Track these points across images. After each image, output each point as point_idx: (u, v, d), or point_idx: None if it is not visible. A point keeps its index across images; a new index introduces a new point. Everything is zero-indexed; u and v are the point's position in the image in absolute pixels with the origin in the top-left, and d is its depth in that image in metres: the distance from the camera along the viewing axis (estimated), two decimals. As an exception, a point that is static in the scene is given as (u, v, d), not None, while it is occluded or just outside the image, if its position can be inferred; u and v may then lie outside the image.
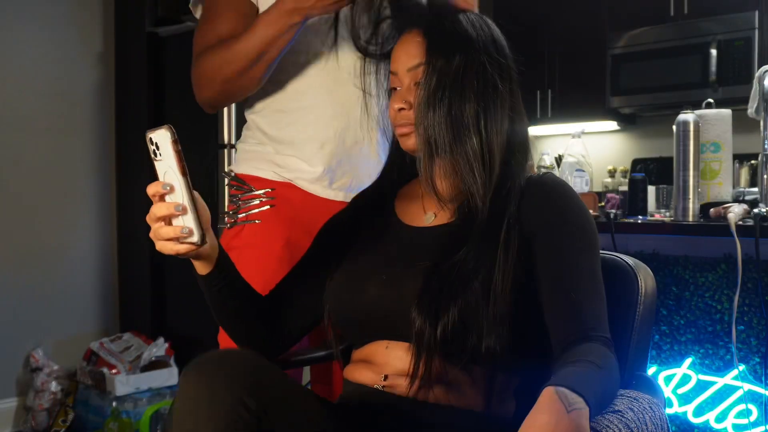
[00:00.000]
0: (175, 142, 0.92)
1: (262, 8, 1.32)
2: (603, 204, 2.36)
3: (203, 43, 1.33)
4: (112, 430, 2.92)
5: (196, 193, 0.96)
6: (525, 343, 1.02)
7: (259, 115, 1.42)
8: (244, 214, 1.39)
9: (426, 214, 1.16)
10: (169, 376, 3.09)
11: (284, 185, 1.39)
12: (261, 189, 1.39)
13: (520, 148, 1.12)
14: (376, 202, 1.23)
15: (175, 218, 0.96)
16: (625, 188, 2.64)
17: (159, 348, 3.10)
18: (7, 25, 3.11)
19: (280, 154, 1.39)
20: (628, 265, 1.18)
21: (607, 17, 3.59)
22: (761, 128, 2.01)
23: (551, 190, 1.09)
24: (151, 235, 0.98)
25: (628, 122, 3.91)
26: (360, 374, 1.11)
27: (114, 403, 2.94)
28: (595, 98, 3.60)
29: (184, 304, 3.30)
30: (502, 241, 1.03)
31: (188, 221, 0.95)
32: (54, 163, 3.27)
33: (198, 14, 1.42)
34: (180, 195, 0.94)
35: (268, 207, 1.38)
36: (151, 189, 0.97)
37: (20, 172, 3.16)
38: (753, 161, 2.75)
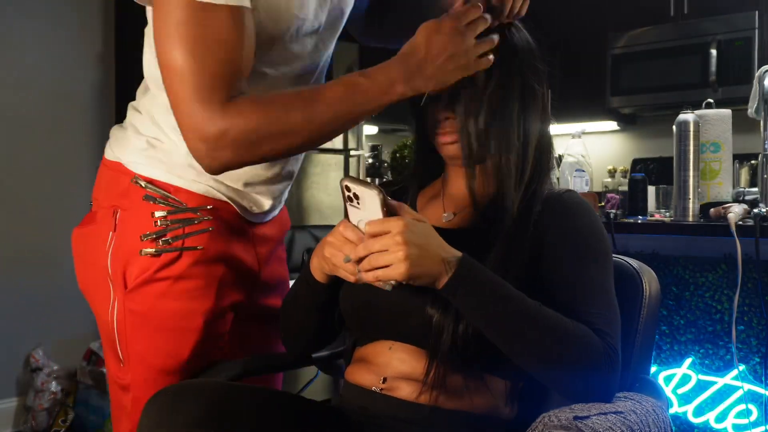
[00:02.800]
0: (384, 205, 0.96)
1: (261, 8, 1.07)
2: (603, 204, 2.36)
3: (215, 80, 0.99)
4: (112, 430, 2.92)
5: None
6: None
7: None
8: (177, 238, 1.14)
9: (444, 213, 1.17)
10: (170, 376, 3.09)
11: (223, 204, 1.19)
12: (193, 206, 1.16)
13: (546, 149, 1.14)
14: (397, 197, 1.23)
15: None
16: (625, 188, 2.64)
17: (159, 348, 3.10)
18: (7, 25, 3.11)
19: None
20: (633, 268, 1.18)
21: (607, 17, 3.59)
22: (761, 128, 2.01)
23: (571, 207, 1.10)
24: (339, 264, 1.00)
25: (628, 122, 3.91)
26: (359, 376, 1.12)
27: (114, 403, 2.94)
28: (595, 98, 3.60)
29: (184, 304, 3.29)
30: (526, 247, 1.05)
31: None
32: (54, 163, 3.27)
33: (149, 12, 1.17)
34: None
35: (210, 229, 1.17)
36: (345, 233, 0.99)
37: (20, 172, 3.16)
38: (753, 161, 2.75)
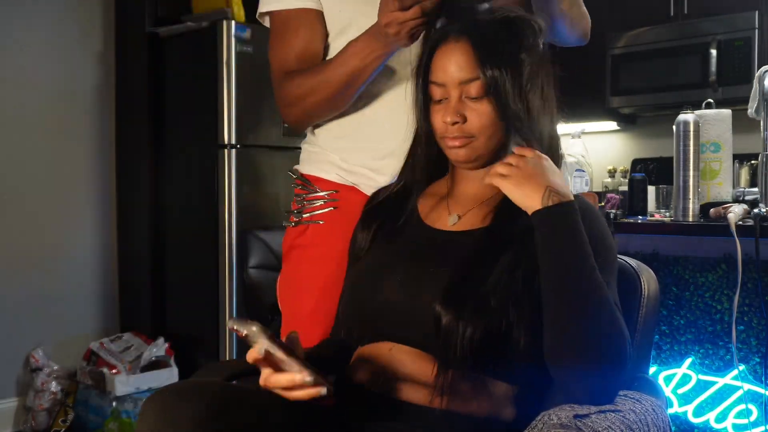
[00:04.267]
0: (272, 338, 0.95)
1: (326, 13, 1.40)
2: (603, 204, 2.36)
3: (281, 61, 1.40)
4: (112, 430, 2.92)
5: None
6: (528, 351, 1.02)
7: (323, 121, 1.46)
8: (308, 214, 1.43)
9: (450, 215, 1.16)
10: (169, 376, 3.09)
11: (348, 188, 1.42)
12: (325, 190, 1.43)
13: (555, 150, 1.14)
14: (399, 200, 1.23)
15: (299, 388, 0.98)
16: (625, 188, 2.64)
17: (159, 348, 3.10)
18: (7, 25, 3.11)
19: (346, 161, 1.43)
20: (632, 267, 1.18)
21: (607, 17, 3.58)
22: (761, 128, 2.01)
23: (581, 213, 1.09)
24: (280, 392, 0.99)
25: (628, 122, 3.91)
26: (358, 376, 1.11)
27: (114, 403, 2.94)
28: (595, 98, 3.60)
29: (184, 304, 3.30)
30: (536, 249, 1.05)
31: (322, 387, 0.97)
32: (54, 164, 3.27)
33: (267, 23, 1.47)
34: (298, 369, 0.96)
35: (331, 209, 1.42)
36: (251, 357, 0.96)
37: (20, 172, 3.16)
38: (753, 161, 2.74)
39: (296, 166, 1.54)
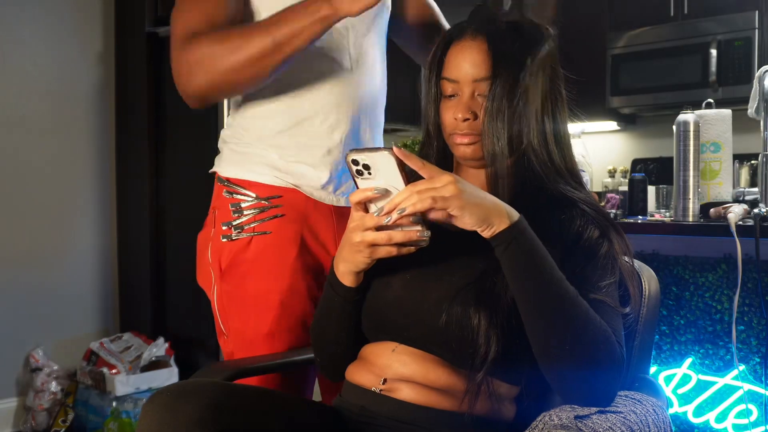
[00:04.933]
0: (401, 164, 0.93)
1: None
2: (603, 204, 2.36)
3: (189, 22, 1.23)
4: (112, 430, 2.92)
5: None
6: (530, 352, 1.02)
7: (258, 116, 1.34)
8: (250, 225, 1.31)
9: None
10: (170, 376, 3.09)
11: (290, 191, 1.33)
12: (264, 196, 1.32)
13: (566, 150, 1.13)
14: None
15: (401, 226, 0.97)
16: (625, 188, 2.64)
17: (159, 348, 3.10)
18: (7, 25, 3.11)
19: (283, 159, 1.33)
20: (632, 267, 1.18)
21: (607, 17, 3.58)
22: (761, 128, 2.01)
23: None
24: (370, 240, 0.98)
25: (628, 122, 3.91)
26: (359, 376, 1.11)
27: (114, 403, 2.94)
28: (595, 98, 3.60)
29: (184, 304, 3.30)
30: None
31: (423, 227, 0.97)
32: (54, 163, 3.27)
33: None
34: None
35: (277, 215, 1.32)
36: (358, 196, 0.98)
37: (20, 172, 3.16)
38: (753, 161, 2.75)
39: (217, 170, 1.40)
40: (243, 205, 1.32)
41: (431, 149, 1.20)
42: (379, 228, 0.98)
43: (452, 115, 1.11)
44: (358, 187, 0.98)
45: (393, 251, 0.99)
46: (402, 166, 0.92)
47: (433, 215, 0.95)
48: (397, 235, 0.97)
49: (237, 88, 1.30)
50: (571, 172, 1.13)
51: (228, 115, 1.42)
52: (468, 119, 1.09)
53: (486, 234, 0.95)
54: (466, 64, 1.09)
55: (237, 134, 1.38)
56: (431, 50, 1.16)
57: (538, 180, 1.10)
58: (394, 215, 0.94)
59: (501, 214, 0.95)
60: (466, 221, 0.94)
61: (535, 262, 0.95)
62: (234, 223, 1.31)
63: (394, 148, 0.92)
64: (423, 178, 0.95)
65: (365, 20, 1.35)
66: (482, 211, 0.94)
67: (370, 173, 0.95)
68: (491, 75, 1.08)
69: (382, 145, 1.41)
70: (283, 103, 1.33)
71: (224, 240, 1.31)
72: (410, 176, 0.94)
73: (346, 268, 1.06)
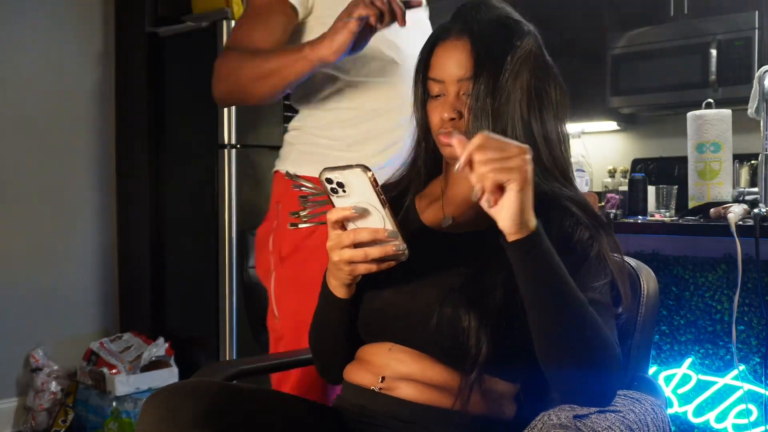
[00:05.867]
0: (374, 181, 0.92)
1: (313, 15, 1.46)
2: (603, 204, 2.36)
3: (237, 38, 1.45)
4: (112, 430, 2.92)
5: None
6: (526, 350, 1.02)
7: (323, 110, 1.50)
8: (316, 215, 1.40)
9: (444, 217, 1.16)
10: (170, 376, 3.09)
11: None
12: None
13: (557, 149, 1.12)
14: (397, 198, 1.22)
15: (378, 242, 0.97)
16: (625, 188, 2.64)
17: (159, 348, 3.10)
18: (7, 25, 3.11)
19: (347, 152, 1.46)
20: (631, 266, 1.18)
21: (607, 17, 3.58)
22: (761, 128, 2.01)
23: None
24: (347, 258, 0.98)
25: (628, 122, 3.90)
26: (357, 375, 1.12)
27: (114, 403, 2.94)
28: (595, 98, 3.60)
29: (184, 304, 3.30)
30: None
31: (400, 241, 0.97)
32: (54, 163, 3.27)
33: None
34: (381, 221, 0.95)
35: None
36: (336, 215, 0.98)
37: (20, 171, 3.16)
38: (753, 161, 2.75)
39: (280, 168, 1.54)
40: (309, 197, 1.40)
41: (421, 150, 1.20)
42: (357, 245, 0.98)
43: (438, 115, 1.11)
44: (334, 206, 0.98)
45: (372, 267, 0.99)
46: (375, 182, 0.92)
47: (482, 200, 0.90)
48: (374, 251, 0.97)
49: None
50: (561, 171, 1.11)
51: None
52: (454, 119, 1.09)
53: (512, 229, 0.91)
54: (451, 64, 1.09)
55: (295, 133, 1.54)
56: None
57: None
58: (462, 160, 0.90)
59: (529, 216, 0.91)
60: (510, 206, 0.89)
61: (553, 266, 0.94)
62: (301, 213, 1.39)
63: (364, 168, 0.91)
64: (391, 197, 0.95)
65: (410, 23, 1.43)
66: (528, 200, 0.90)
67: (344, 191, 0.95)
68: (472, 75, 1.07)
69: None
70: (346, 100, 1.48)
71: (291, 227, 1.41)
72: (382, 192, 0.93)
73: (336, 282, 1.07)
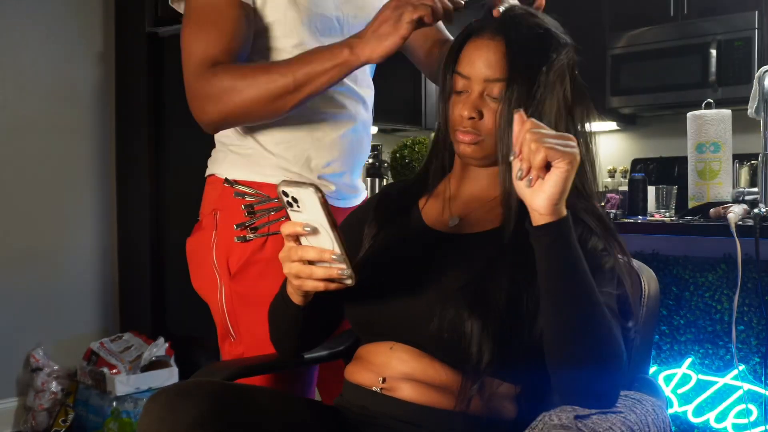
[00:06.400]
0: (324, 204, 0.91)
1: (266, 7, 1.28)
2: (603, 204, 2.36)
3: (210, 53, 1.24)
4: (112, 430, 2.92)
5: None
6: (528, 352, 1.02)
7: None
8: (265, 225, 1.27)
9: (451, 217, 1.15)
10: (170, 376, 3.09)
11: None
12: (276, 196, 1.35)
13: (584, 172, 1.12)
14: (404, 198, 1.22)
15: (324, 262, 0.96)
16: (625, 188, 2.64)
17: (159, 348, 3.10)
18: (7, 25, 3.11)
19: (285, 154, 1.35)
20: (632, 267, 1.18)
21: (607, 17, 3.59)
22: (761, 128, 2.01)
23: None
24: (294, 272, 0.98)
25: (628, 122, 3.91)
26: (358, 375, 1.11)
27: (114, 403, 2.94)
28: (595, 98, 3.59)
29: (184, 304, 3.29)
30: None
31: (345, 266, 0.96)
32: (54, 163, 3.27)
33: (181, 9, 1.33)
34: (330, 243, 0.95)
35: None
36: (289, 229, 0.97)
37: (20, 171, 3.16)
38: (753, 161, 2.75)
39: (216, 173, 1.41)
40: (256, 206, 1.31)
41: (441, 143, 1.19)
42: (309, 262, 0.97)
43: (458, 111, 1.09)
44: (289, 218, 0.97)
45: (319, 286, 0.98)
46: (325, 203, 0.91)
47: (525, 177, 0.92)
48: (318, 271, 0.96)
49: (253, 121, 1.32)
50: (588, 191, 1.12)
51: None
52: (473, 118, 1.08)
53: (547, 210, 0.92)
54: (480, 62, 1.08)
55: (238, 137, 1.38)
56: (435, 59, 1.15)
57: None
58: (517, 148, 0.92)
59: (565, 203, 0.93)
60: (552, 186, 0.90)
61: (578, 256, 0.95)
62: (248, 224, 1.29)
63: (317, 189, 0.90)
64: (341, 221, 0.94)
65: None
66: (568, 186, 0.91)
67: (298, 206, 0.94)
68: (507, 79, 1.06)
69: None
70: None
71: (238, 241, 1.28)
72: (332, 215, 0.93)
73: (291, 289, 1.06)
